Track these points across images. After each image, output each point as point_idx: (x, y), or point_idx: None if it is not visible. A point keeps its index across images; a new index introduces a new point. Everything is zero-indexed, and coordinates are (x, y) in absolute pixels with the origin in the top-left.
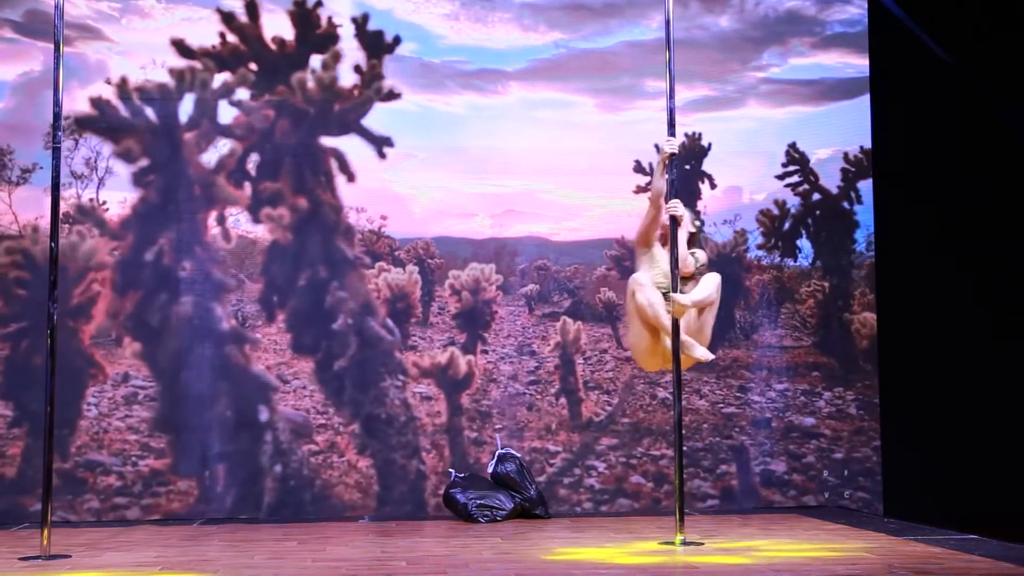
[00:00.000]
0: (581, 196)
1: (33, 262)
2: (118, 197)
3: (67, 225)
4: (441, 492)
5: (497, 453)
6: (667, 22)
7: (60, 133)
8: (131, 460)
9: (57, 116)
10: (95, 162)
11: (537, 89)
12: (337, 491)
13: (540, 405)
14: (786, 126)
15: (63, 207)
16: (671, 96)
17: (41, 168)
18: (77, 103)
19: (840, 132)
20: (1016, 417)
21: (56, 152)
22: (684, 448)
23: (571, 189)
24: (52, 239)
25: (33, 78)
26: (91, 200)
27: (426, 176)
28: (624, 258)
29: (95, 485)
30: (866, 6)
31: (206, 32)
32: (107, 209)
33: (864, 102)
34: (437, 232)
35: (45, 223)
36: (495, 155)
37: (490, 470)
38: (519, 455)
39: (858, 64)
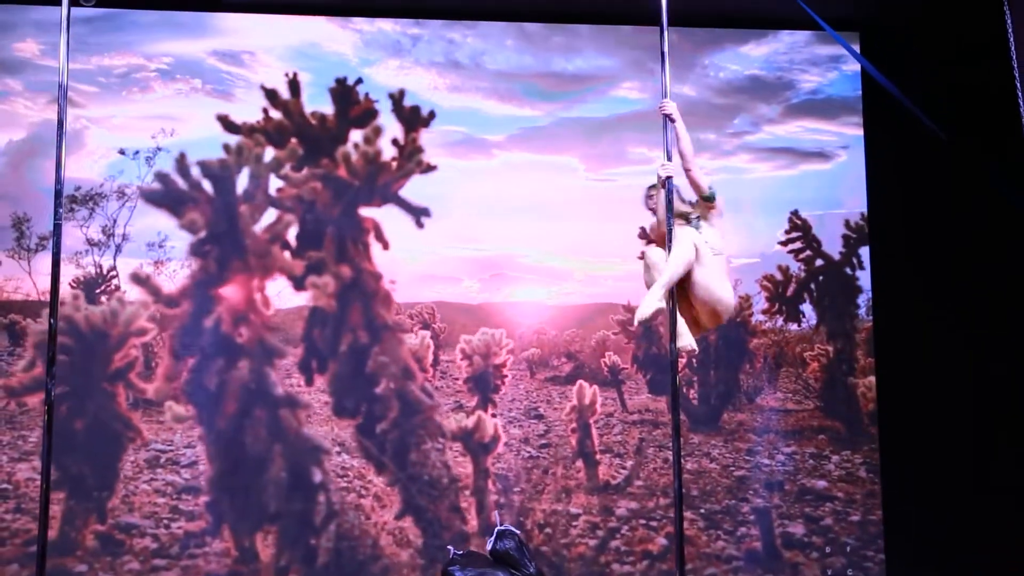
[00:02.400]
0: (575, 261)
1: (75, 328)
2: (133, 264)
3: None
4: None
5: (496, 529)
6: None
7: (61, 210)
8: (163, 523)
9: (59, 193)
10: (111, 229)
11: (522, 155)
12: (381, 553)
13: (555, 468)
14: (771, 190)
15: (86, 271)
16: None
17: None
18: (77, 171)
19: (820, 196)
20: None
21: (57, 228)
22: (702, 510)
23: (565, 255)
24: (51, 315)
25: (17, 145)
26: (145, 268)
27: (418, 240)
28: (630, 323)
29: (132, 547)
30: (831, 75)
31: (200, 103)
32: (170, 269)
33: (840, 166)
34: (431, 297)
35: (76, 291)
36: (483, 220)
37: (489, 547)
38: (518, 531)
39: (829, 129)
